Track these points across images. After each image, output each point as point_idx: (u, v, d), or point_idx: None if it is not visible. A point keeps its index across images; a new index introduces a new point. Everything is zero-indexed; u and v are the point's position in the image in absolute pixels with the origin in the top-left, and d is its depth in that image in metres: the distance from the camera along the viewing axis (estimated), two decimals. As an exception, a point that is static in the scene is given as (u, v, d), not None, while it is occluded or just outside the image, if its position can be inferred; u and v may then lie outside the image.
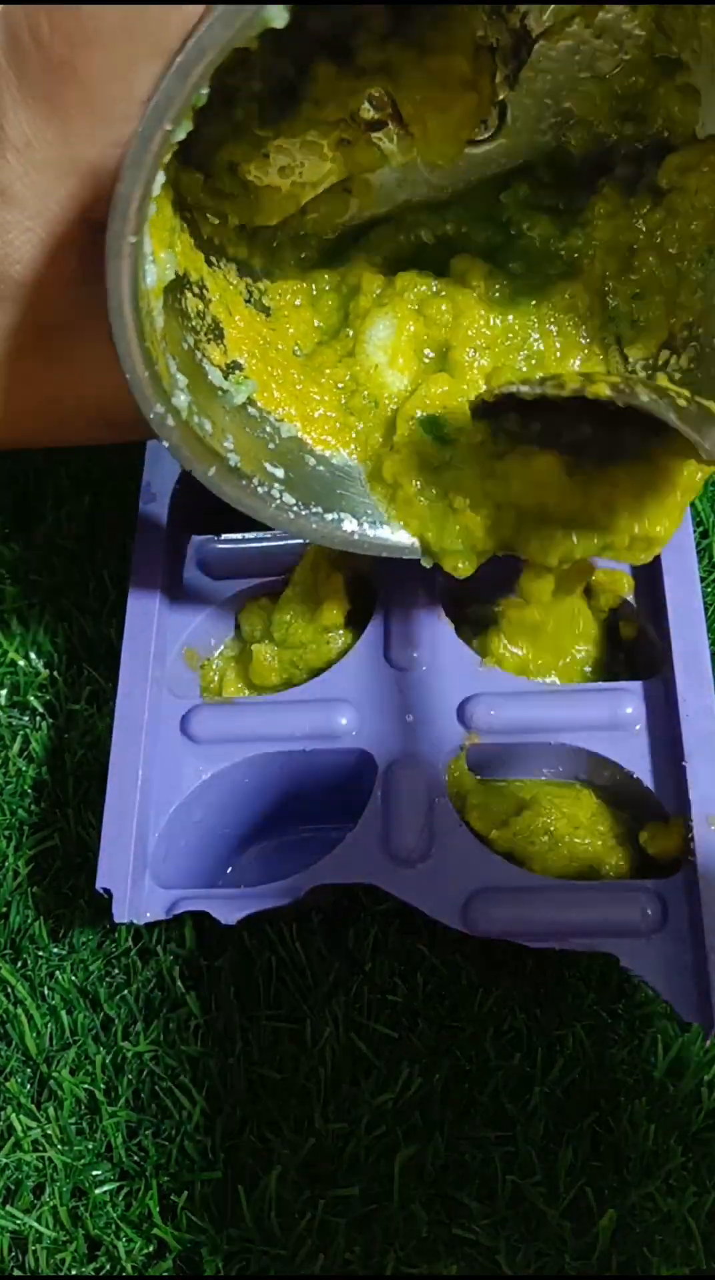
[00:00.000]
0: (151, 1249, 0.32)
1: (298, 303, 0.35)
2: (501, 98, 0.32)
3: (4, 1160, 0.34)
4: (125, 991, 0.36)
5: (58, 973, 0.36)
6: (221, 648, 0.40)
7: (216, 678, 0.39)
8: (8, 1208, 0.33)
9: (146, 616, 0.37)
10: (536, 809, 0.34)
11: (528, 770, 0.36)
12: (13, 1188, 0.34)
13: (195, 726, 0.36)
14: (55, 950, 0.37)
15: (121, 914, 0.32)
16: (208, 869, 0.38)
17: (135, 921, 0.33)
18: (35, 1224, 0.33)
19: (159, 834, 0.34)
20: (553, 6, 0.31)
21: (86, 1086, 0.35)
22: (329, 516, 0.33)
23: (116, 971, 0.37)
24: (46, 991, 0.36)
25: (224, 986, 0.36)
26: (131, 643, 0.36)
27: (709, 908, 0.30)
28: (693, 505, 0.43)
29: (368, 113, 0.32)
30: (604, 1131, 0.33)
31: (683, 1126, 0.33)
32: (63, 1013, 0.36)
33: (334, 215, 0.34)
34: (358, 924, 0.36)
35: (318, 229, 0.34)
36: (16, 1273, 0.33)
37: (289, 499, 0.32)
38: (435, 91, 0.32)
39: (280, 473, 0.33)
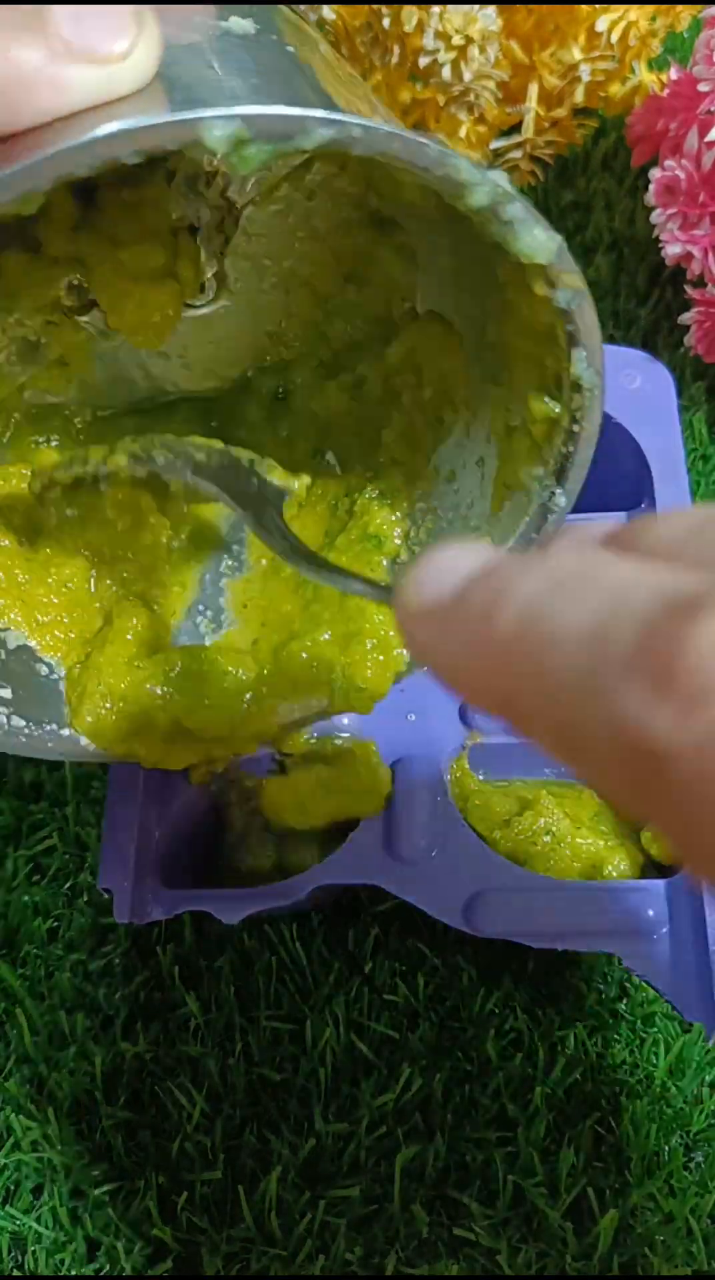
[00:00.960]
0: (151, 1250, 0.32)
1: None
2: (213, 271, 0.31)
3: (3, 1161, 0.34)
4: (124, 991, 0.36)
5: (56, 973, 0.36)
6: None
7: None
8: (7, 1208, 0.33)
9: None
10: (538, 809, 0.34)
11: (530, 770, 0.36)
12: (12, 1188, 0.34)
13: None
14: (54, 950, 0.37)
15: (122, 914, 0.32)
16: (210, 868, 0.38)
17: (136, 922, 0.33)
18: (34, 1224, 0.33)
19: (161, 833, 0.34)
20: (255, 177, 0.29)
21: (86, 1087, 0.35)
22: (64, 731, 0.31)
23: (116, 972, 0.36)
24: (45, 991, 0.36)
25: (223, 987, 0.35)
26: None
27: (712, 908, 0.30)
28: (692, 495, 0.43)
29: (69, 299, 0.31)
30: (605, 1132, 0.33)
31: (684, 1127, 0.33)
32: (61, 1013, 0.36)
33: (54, 390, 0.32)
34: (358, 924, 0.36)
35: (51, 404, 0.32)
36: (16, 1273, 0.33)
37: (18, 721, 0.31)
38: (129, 284, 0.30)
39: (7, 692, 0.31)
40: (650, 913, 0.31)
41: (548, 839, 0.34)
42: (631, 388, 0.38)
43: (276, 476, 0.28)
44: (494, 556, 0.19)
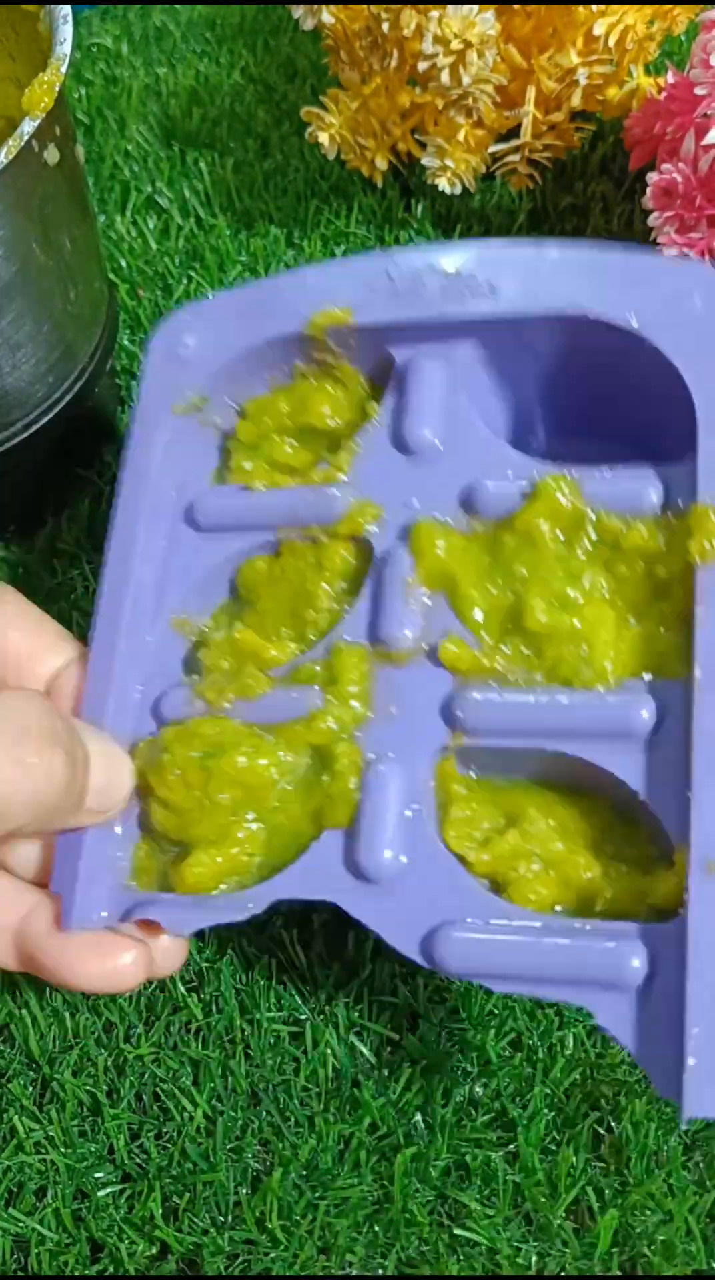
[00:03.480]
0: (154, 1251, 0.33)
1: None
2: None
3: (6, 1163, 0.34)
4: (127, 994, 0.36)
5: (59, 975, 0.37)
6: (211, 617, 0.35)
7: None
8: (10, 1210, 0.33)
9: (120, 586, 0.33)
10: (527, 822, 0.30)
11: (531, 770, 0.31)
12: (15, 1190, 0.34)
13: (167, 712, 0.32)
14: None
15: (69, 920, 0.30)
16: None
17: (83, 928, 0.30)
18: (38, 1226, 0.33)
19: (122, 832, 0.32)
20: None
21: (89, 1089, 0.35)
22: None
23: (118, 974, 0.37)
24: (49, 993, 0.36)
25: (225, 989, 0.36)
26: (103, 618, 0.33)
27: (695, 972, 0.25)
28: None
29: None
30: (605, 1131, 0.33)
31: (684, 1127, 0.33)
32: (65, 1015, 0.36)
33: None
34: (358, 926, 0.36)
35: None
36: (19, 1275, 0.33)
37: None
38: None
39: None
40: (634, 964, 0.26)
41: (536, 867, 0.29)
42: (691, 312, 0.31)
43: None
44: None
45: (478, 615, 0.31)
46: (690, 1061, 0.25)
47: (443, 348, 0.34)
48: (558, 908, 0.29)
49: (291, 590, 0.33)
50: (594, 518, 0.31)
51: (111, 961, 0.30)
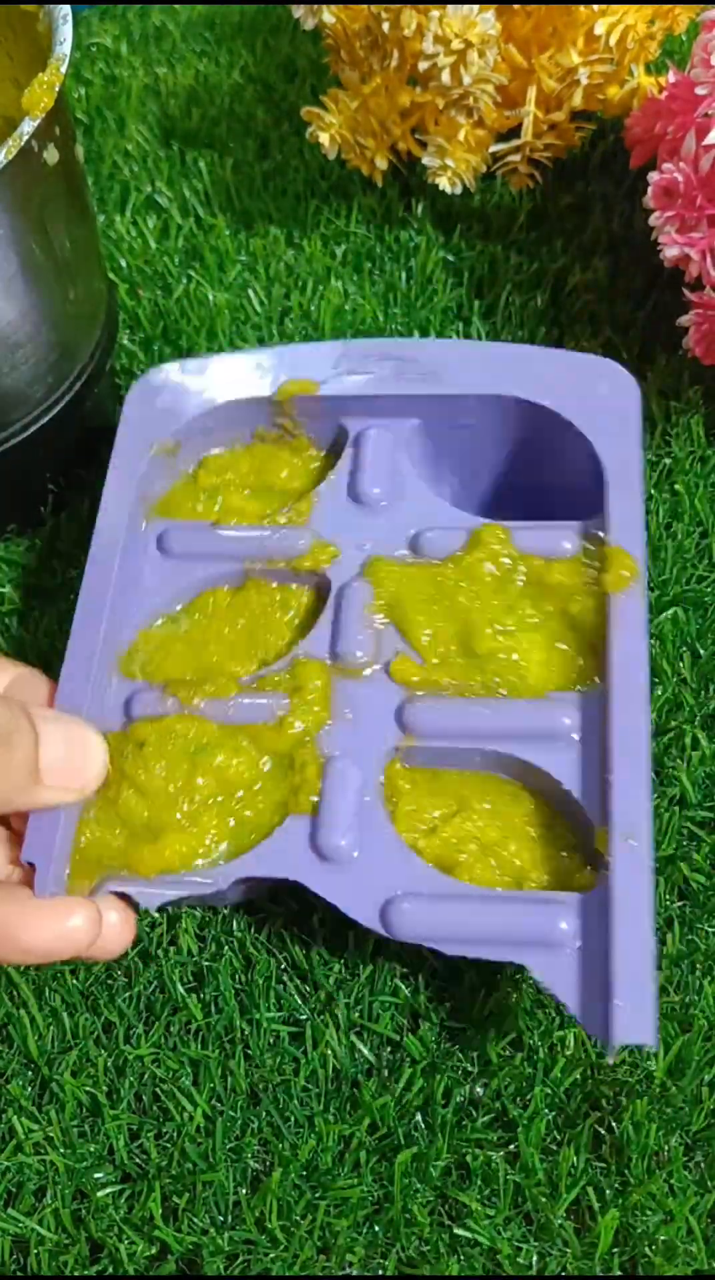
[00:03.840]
0: (154, 1251, 0.33)
1: None
2: None
3: (5, 1163, 0.34)
4: (127, 994, 0.36)
5: (60, 975, 0.36)
6: (176, 631, 0.39)
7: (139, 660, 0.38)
8: (9, 1211, 0.33)
9: (98, 598, 0.37)
10: (467, 813, 0.34)
11: (473, 765, 0.36)
12: (14, 1191, 0.34)
13: (137, 710, 0.36)
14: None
15: (43, 888, 0.32)
16: None
17: (56, 895, 0.33)
18: (37, 1227, 0.33)
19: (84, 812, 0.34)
20: None
21: (88, 1089, 0.35)
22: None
23: (118, 974, 0.37)
24: (48, 993, 0.36)
25: (225, 989, 0.36)
26: (81, 623, 0.37)
27: (619, 925, 0.30)
28: (692, 505, 0.43)
29: None
30: (605, 1131, 0.33)
31: (684, 1126, 0.33)
32: (64, 1015, 0.36)
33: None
34: (358, 925, 0.36)
35: None
36: (19, 1275, 0.33)
37: None
38: None
39: None
40: (563, 926, 0.31)
41: (473, 848, 0.34)
42: (598, 396, 0.38)
43: None
44: None
45: (425, 638, 0.36)
46: (617, 1002, 0.29)
47: (390, 420, 0.40)
48: (497, 888, 0.33)
49: (252, 619, 0.39)
50: (522, 560, 0.37)
51: (63, 922, 0.31)
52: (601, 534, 0.36)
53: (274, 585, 0.39)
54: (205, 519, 0.40)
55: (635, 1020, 0.29)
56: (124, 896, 0.33)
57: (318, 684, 0.36)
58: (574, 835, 0.34)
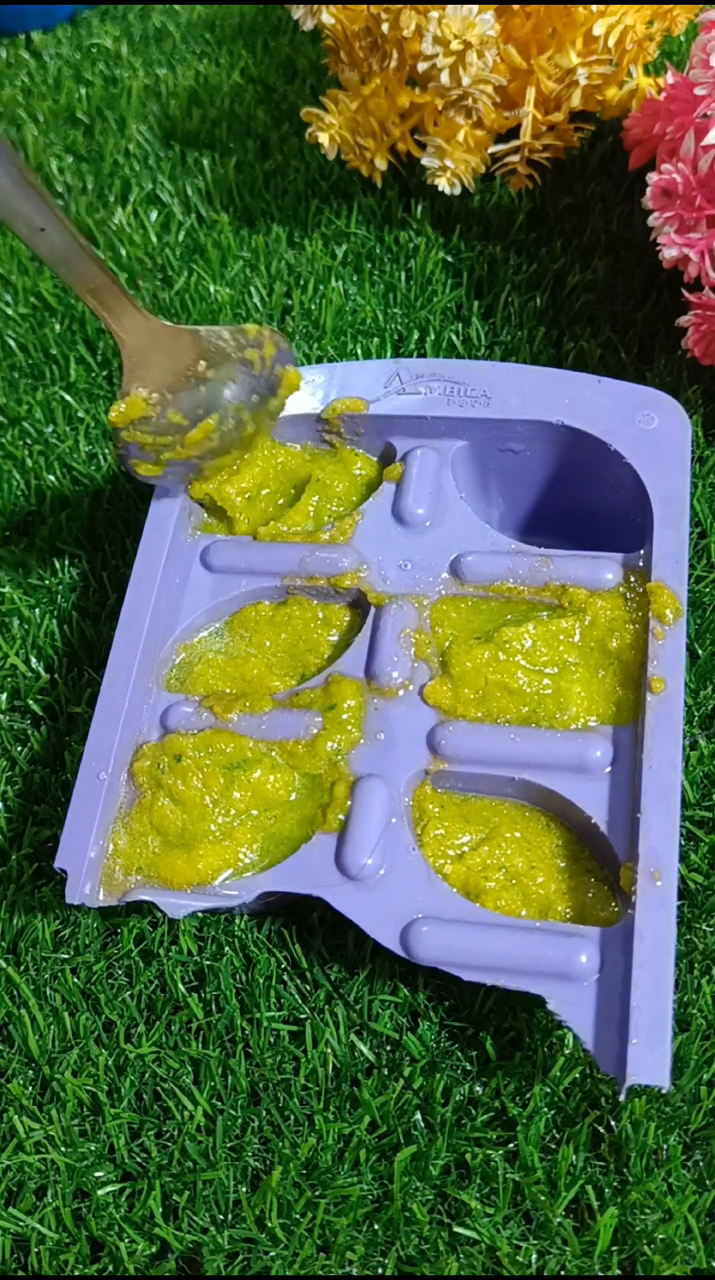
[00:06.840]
0: (154, 1249, 0.33)
1: None
2: None
3: (6, 1162, 0.34)
4: (128, 993, 0.36)
5: (61, 974, 0.37)
6: (203, 635, 0.40)
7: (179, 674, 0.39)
8: (10, 1210, 0.33)
9: (141, 608, 0.38)
10: (497, 841, 0.34)
11: (498, 791, 0.36)
12: (15, 1190, 0.34)
13: (174, 721, 0.37)
14: (59, 952, 0.37)
15: (74, 895, 0.33)
16: None
17: (87, 905, 0.33)
18: (38, 1226, 0.33)
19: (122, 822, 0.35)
20: None
21: (89, 1088, 0.35)
22: None
23: (119, 973, 0.37)
24: (49, 993, 0.36)
25: (225, 989, 0.36)
26: (124, 633, 0.37)
27: (639, 963, 0.30)
28: (691, 505, 0.43)
29: None
30: (604, 1130, 0.33)
31: (683, 1125, 0.33)
32: (65, 1014, 0.36)
33: None
34: (347, 922, 0.36)
35: None
36: (19, 1274, 0.33)
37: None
38: None
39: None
40: (582, 960, 0.31)
41: (500, 875, 0.34)
42: (648, 429, 0.38)
43: None
44: None
45: (468, 664, 0.36)
46: (634, 1040, 0.29)
47: (438, 441, 0.40)
48: (523, 914, 0.33)
49: (293, 634, 0.39)
50: (565, 590, 0.37)
51: None
52: (644, 566, 0.36)
53: (316, 603, 0.39)
54: (246, 533, 0.41)
55: (650, 1060, 0.29)
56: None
57: (352, 703, 0.36)
58: (602, 869, 0.34)
